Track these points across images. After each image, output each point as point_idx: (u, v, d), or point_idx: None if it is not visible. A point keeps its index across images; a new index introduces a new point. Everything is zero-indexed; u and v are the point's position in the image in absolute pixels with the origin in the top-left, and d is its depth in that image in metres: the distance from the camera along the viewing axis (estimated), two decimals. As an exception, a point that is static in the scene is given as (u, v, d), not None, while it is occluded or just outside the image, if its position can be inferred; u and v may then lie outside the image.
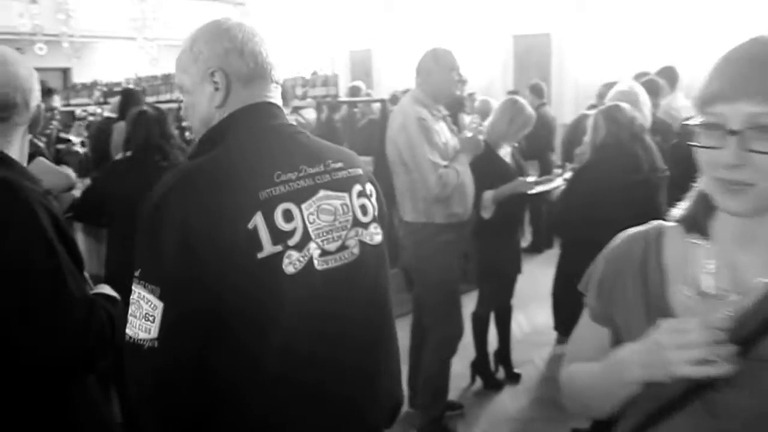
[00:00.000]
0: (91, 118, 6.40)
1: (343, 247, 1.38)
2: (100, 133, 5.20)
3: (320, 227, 1.34)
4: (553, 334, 4.68)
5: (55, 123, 3.63)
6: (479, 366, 4.24)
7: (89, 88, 8.97)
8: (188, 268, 1.20)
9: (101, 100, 8.08)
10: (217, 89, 1.40)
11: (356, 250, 1.41)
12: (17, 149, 1.59)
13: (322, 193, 1.37)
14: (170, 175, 1.30)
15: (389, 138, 3.47)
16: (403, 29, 11.25)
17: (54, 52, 11.28)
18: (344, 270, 1.37)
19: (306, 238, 1.31)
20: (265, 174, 1.30)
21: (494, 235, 3.88)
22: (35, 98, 1.60)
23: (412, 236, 3.46)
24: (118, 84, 8.36)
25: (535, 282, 4.95)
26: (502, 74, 10.25)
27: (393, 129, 3.43)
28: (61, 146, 4.66)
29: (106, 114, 6.28)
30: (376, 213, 1.49)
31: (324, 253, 1.34)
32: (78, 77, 12.58)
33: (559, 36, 9.63)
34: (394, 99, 8.09)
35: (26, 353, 1.44)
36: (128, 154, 3.37)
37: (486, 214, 3.79)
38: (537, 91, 7.42)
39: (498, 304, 4.21)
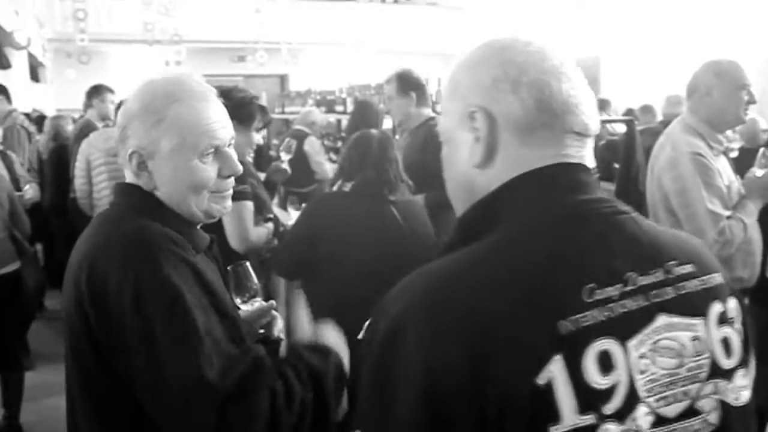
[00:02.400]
0: (298, 127, 6.14)
1: (690, 412, 0.86)
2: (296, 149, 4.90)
3: (656, 379, 0.84)
4: None
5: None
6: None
7: (303, 96, 8.93)
8: None
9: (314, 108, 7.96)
10: (477, 139, 0.92)
11: (713, 418, 0.88)
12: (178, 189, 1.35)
13: (661, 319, 0.85)
14: (411, 280, 0.88)
15: (653, 174, 2.78)
16: (637, 32, 10.14)
17: (273, 59, 11.65)
18: None
19: (632, 399, 0.81)
20: (567, 289, 0.82)
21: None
22: (164, 129, 1.32)
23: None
24: (331, 92, 8.19)
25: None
26: (765, 82, 8.61)
27: (659, 164, 2.72)
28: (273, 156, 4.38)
29: (297, 126, 5.99)
30: (742, 350, 0.94)
31: (659, 421, 0.84)
32: (294, 84, 12.92)
33: None
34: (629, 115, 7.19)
35: None
36: (345, 186, 2.79)
37: (773, 276, 2.97)
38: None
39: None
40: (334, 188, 2.88)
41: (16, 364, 3.78)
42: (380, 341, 0.84)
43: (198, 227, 1.42)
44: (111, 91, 5.34)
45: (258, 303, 1.66)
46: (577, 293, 0.82)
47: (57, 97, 11.39)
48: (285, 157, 4.19)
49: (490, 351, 0.77)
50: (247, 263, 1.73)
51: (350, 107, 6.92)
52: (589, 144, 0.95)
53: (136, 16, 10.85)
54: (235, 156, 1.40)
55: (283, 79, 14.17)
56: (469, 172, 0.95)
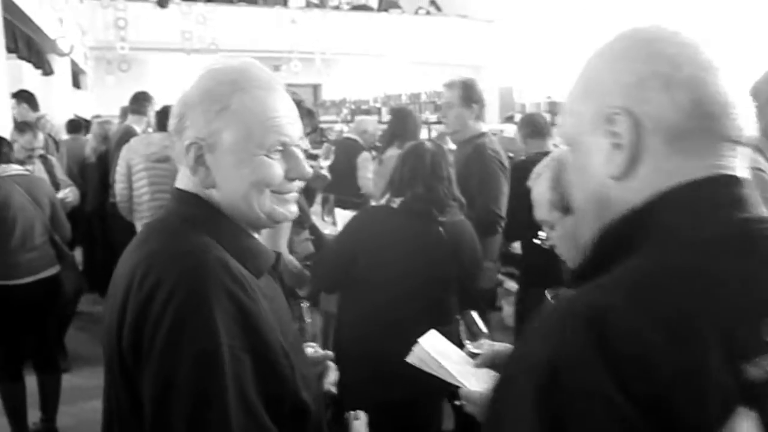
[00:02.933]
0: (349, 135, 6.14)
1: None
2: (344, 155, 4.88)
3: None
4: None
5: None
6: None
7: (338, 105, 8.96)
8: None
9: (348, 118, 7.98)
10: (617, 146, 0.79)
11: None
12: (236, 190, 1.18)
13: None
14: (555, 315, 0.73)
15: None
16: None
17: (307, 68, 11.72)
18: None
19: None
20: (744, 325, 0.66)
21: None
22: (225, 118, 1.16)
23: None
24: (365, 102, 8.21)
25: None
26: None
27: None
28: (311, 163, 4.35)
29: (347, 134, 5.97)
30: None
31: None
32: (326, 93, 12.99)
33: None
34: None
35: None
36: (393, 202, 2.61)
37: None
38: None
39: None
40: (382, 201, 2.74)
41: (53, 365, 3.80)
42: (532, 394, 0.68)
43: (260, 239, 1.26)
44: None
45: (311, 349, 1.45)
46: (755, 330, 0.66)
47: (96, 104, 11.57)
48: (324, 163, 4.07)
49: (666, 401, 0.63)
50: (303, 304, 1.60)
51: (385, 117, 6.91)
52: (744, 154, 0.80)
53: (175, 25, 11.00)
54: (303, 157, 1.24)
55: (315, 88, 14.23)
56: (603, 183, 0.81)
